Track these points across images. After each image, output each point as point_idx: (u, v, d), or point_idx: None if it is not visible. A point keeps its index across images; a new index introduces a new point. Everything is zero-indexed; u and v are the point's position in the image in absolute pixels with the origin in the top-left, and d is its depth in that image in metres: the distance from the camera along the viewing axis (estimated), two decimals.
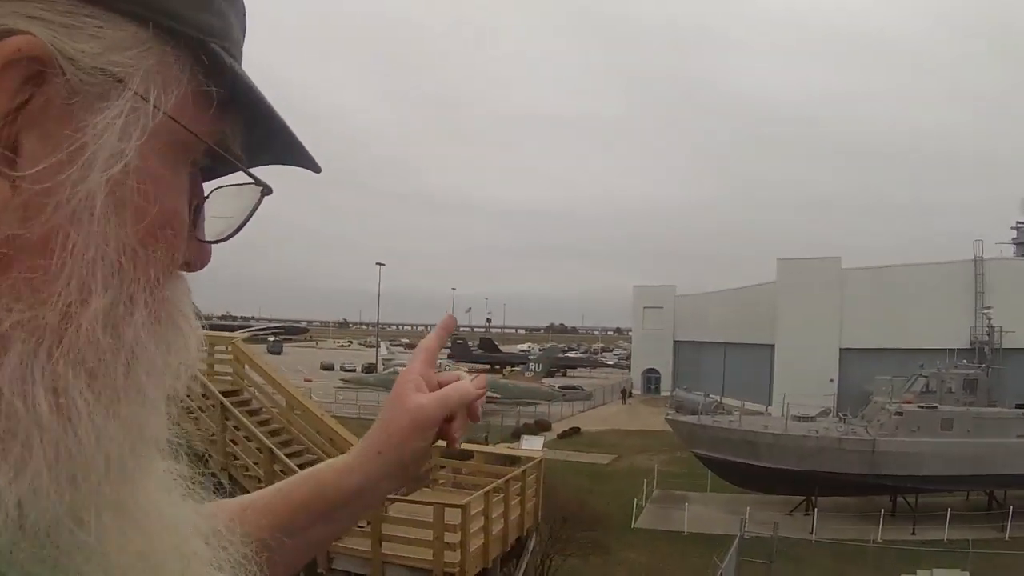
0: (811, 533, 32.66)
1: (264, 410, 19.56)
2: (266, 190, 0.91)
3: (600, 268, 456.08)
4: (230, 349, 19.70)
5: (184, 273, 0.87)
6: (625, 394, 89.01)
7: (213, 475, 16.88)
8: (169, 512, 0.87)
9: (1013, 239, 69.69)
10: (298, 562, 1.27)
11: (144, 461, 0.80)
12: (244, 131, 0.90)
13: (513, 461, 21.46)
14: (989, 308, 61.40)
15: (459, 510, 15.78)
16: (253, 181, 0.91)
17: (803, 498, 37.01)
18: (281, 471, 15.86)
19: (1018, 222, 69.76)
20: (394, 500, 17.94)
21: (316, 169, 1.01)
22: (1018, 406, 41.30)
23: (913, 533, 33.15)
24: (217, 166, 0.91)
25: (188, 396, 0.94)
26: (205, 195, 0.91)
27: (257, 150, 0.94)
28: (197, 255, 0.89)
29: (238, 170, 0.93)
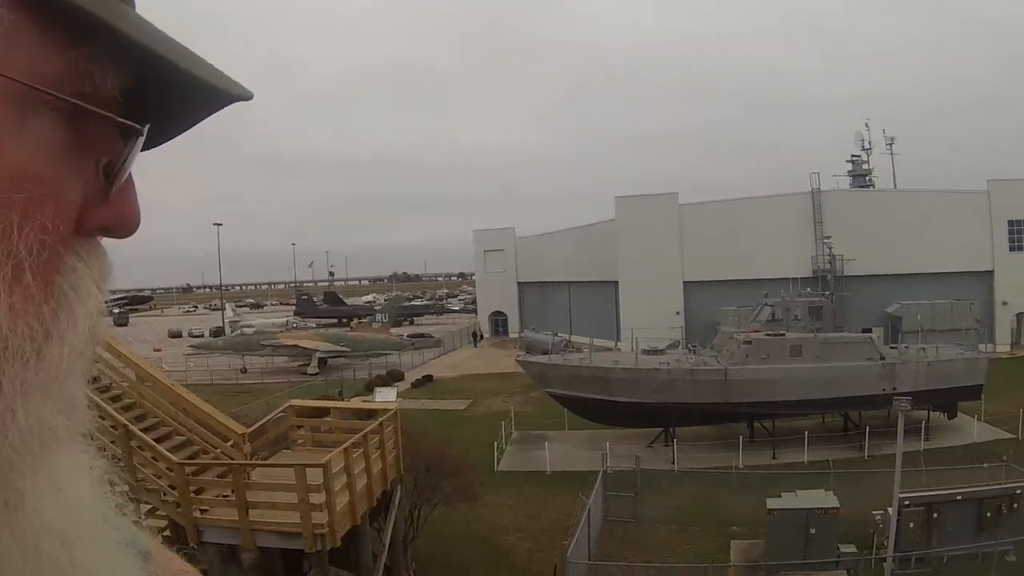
0: (672, 463, 32.86)
1: (115, 386, 18.62)
2: (136, 131, 0.78)
3: (441, 216, 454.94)
4: None
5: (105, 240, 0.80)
6: (477, 337, 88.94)
7: None
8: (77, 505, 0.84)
9: (848, 171, 73.48)
10: None
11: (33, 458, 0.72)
12: (131, 76, 0.75)
13: (369, 415, 21.27)
14: (829, 238, 64.20)
15: (320, 469, 15.53)
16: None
17: (661, 430, 37.19)
18: (138, 447, 15.93)
19: (853, 155, 73.58)
20: (255, 465, 16.97)
21: (247, 96, 0.83)
22: (864, 330, 42.80)
23: (774, 457, 33.99)
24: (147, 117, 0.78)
25: None
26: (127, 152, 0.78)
27: (158, 105, 0.79)
28: (116, 219, 0.78)
29: (192, 125, 0.85)
